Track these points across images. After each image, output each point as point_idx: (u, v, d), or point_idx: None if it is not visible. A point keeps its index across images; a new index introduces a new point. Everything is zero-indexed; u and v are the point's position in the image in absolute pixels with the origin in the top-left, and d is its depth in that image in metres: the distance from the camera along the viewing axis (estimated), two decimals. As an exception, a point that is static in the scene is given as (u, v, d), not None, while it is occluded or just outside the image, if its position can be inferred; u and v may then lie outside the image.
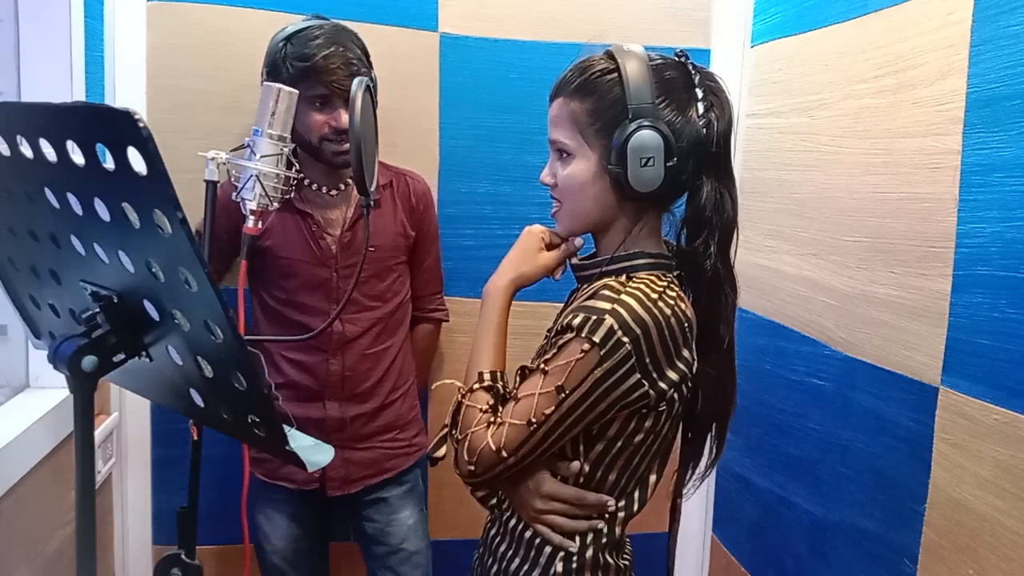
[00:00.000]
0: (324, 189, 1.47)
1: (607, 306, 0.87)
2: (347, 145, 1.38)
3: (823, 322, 1.43)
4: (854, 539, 1.33)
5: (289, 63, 1.33)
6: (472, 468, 0.93)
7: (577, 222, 0.99)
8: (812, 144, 1.48)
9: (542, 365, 0.91)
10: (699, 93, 0.92)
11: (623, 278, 0.93)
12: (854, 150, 1.35)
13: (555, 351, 0.90)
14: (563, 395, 0.87)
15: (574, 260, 1.04)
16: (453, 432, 0.98)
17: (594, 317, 0.86)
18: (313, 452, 0.88)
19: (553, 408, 0.88)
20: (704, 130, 0.91)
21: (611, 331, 0.85)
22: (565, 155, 0.96)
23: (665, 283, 0.92)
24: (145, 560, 1.66)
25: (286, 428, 0.74)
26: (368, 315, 1.50)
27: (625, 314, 0.86)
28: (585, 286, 1.00)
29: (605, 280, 0.93)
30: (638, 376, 0.87)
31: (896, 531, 1.22)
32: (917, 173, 1.19)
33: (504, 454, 0.91)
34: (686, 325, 0.91)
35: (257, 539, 1.55)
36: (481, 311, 1.03)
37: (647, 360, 0.87)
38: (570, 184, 0.96)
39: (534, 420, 0.89)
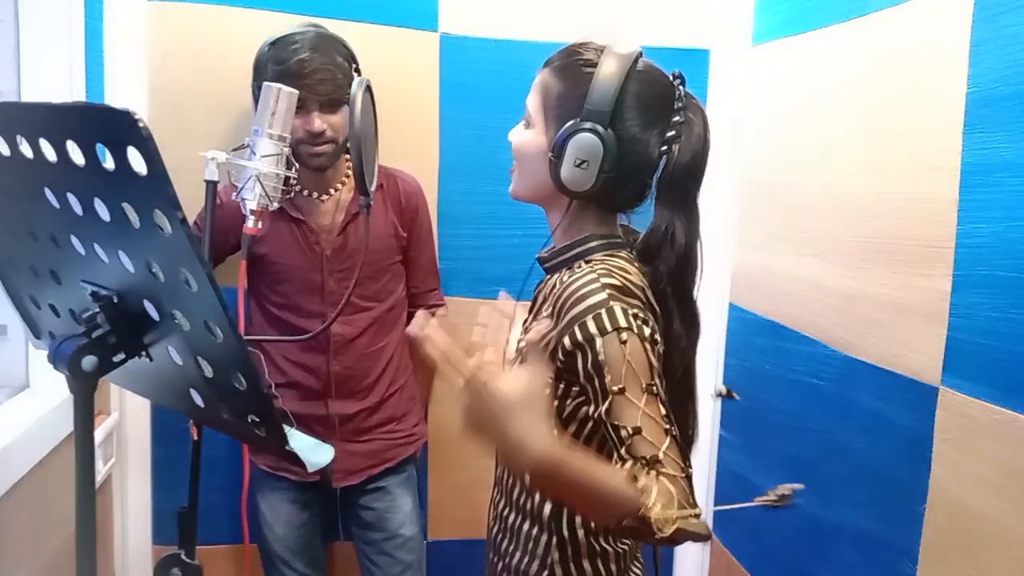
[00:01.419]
0: (315, 195, 1.49)
1: (602, 296, 0.87)
2: (324, 147, 1.39)
3: (823, 322, 1.43)
4: (854, 539, 1.33)
5: (269, 66, 1.35)
6: (693, 506, 0.80)
7: (522, 189, 1.00)
8: (812, 144, 1.48)
9: (612, 388, 0.85)
10: (674, 120, 0.91)
11: (586, 266, 0.92)
12: (854, 150, 1.35)
13: (606, 370, 0.85)
14: (655, 388, 0.84)
15: (539, 254, 1.03)
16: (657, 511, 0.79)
17: (602, 311, 0.86)
18: (313, 452, 0.89)
19: (660, 403, 0.84)
20: (657, 157, 0.91)
21: (624, 311, 0.85)
22: (526, 124, 0.98)
23: (622, 260, 0.93)
24: (145, 560, 1.66)
25: (286, 428, 0.74)
26: (364, 315, 1.52)
27: (618, 293, 0.87)
28: (550, 277, 1.00)
29: (573, 279, 0.91)
30: (656, 329, 0.89)
31: (896, 531, 1.22)
32: (917, 173, 1.19)
33: (684, 471, 0.83)
34: (645, 291, 0.92)
35: (259, 527, 1.57)
36: (553, 483, 0.82)
37: (653, 315, 0.90)
38: (520, 153, 0.98)
39: (666, 426, 0.83)
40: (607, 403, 0.85)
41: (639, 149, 0.90)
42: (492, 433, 0.78)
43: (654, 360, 0.86)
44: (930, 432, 1.15)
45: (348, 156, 1.51)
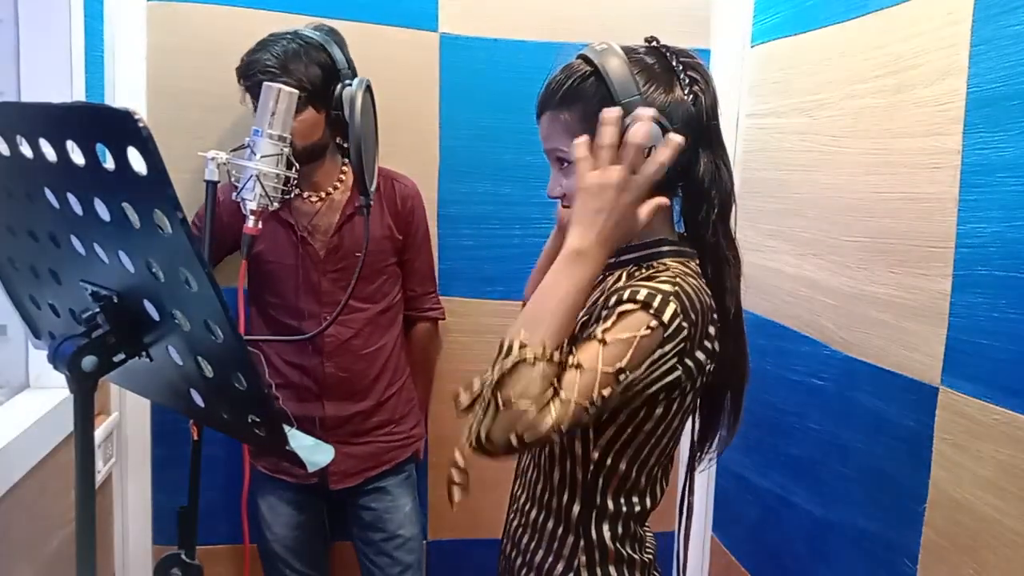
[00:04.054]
0: (310, 195, 1.48)
1: (671, 288, 0.86)
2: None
3: (823, 322, 1.43)
4: (854, 539, 1.33)
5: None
6: (514, 443, 0.80)
7: None
8: (812, 144, 1.48)
9: (600, 334, 0.84)
10: (679, 71, 0.92)
11: (666, 272, 0.91)
12: (854, 150, 1.35)
13: (614, 319, 0.85)
14: (624, 376, 0.83)
15: None
16: (499, 394, 0.81)
17: (660, 295, 0.85)
18: (313, 452, 0.88)
19: (611, 389, 0.83)
20: (693, 106, 0.92)
21: (676, 313, 0.85)
22: (566, 164, 0.95)
23: (692, 272, 0.93)
24: (145, 560, 1.66)
25: (286, 428, 0.74)
26: (358, 316, 1.52)
27: (686, 300, 0.86)
28: (609, 274, 0.98)
29: (651, 273, 0.91)
30: (683, 359, 0.87)
31: (896, 531, 1.22)
32: (917, 173, 1.19)
33: (559, 432, 0.81)
34: (713, 315, 0.92)
35: (259, 528, 1.57)
36: (563, 268, 0.86)
37: (693, 345, 0.88)
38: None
39: (594, 400, 0.82)
40: (585, 340, 0.86)
41: (680, 109, 0.91)
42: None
43: (647, 364, 0.84)
44: (930, 432, 1.15)
45: (344, 158, 1.51)
